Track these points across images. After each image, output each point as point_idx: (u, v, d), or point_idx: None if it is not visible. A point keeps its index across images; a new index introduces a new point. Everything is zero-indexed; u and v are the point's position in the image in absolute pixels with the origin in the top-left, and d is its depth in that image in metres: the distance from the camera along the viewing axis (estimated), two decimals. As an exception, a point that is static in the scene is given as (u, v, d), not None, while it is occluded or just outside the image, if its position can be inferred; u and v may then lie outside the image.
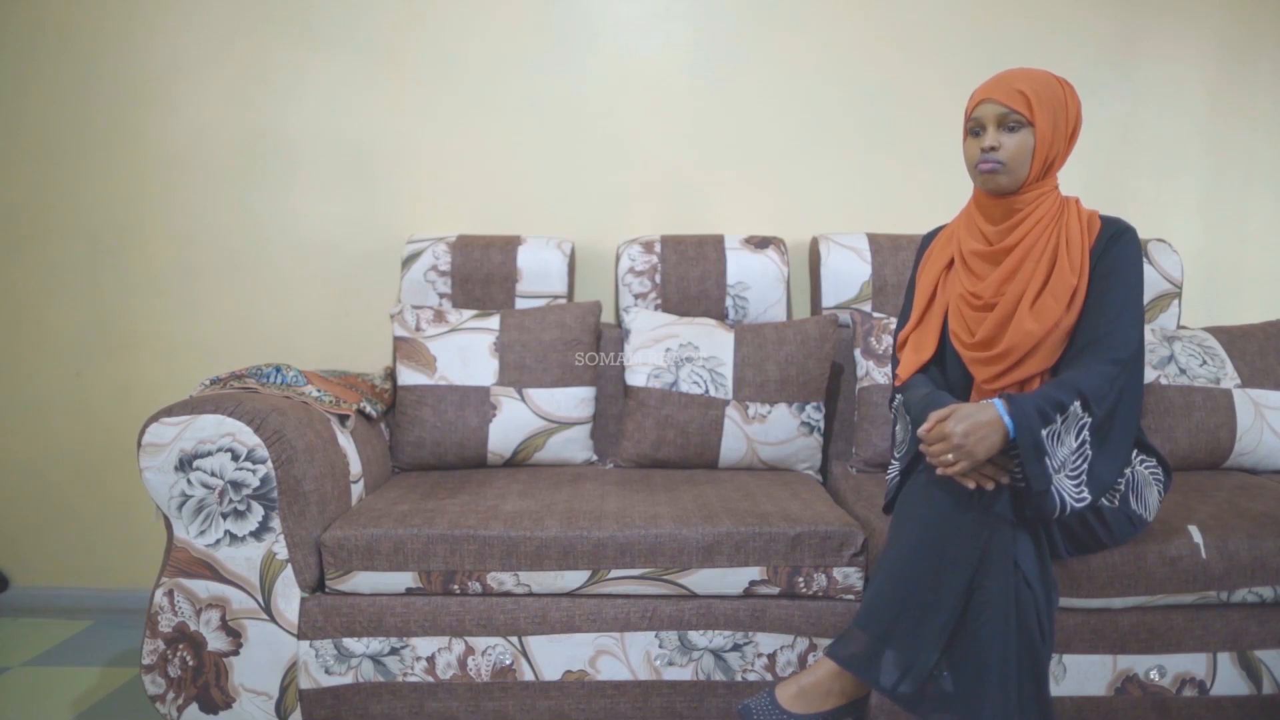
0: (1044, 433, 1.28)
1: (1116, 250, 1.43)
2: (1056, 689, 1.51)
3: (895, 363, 1.69)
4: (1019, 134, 1.41)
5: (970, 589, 1.28)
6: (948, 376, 1.57)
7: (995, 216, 1.50)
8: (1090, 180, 2.31)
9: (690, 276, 2.12)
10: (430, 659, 1.52)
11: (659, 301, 2.12)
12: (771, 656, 1.54)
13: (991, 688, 1.24)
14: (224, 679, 1.51)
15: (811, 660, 1.53)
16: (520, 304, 2.13)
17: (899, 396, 1.60)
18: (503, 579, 1.53)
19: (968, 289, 1.51)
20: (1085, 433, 1.33)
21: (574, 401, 1.98)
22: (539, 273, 2.13)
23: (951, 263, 1.57)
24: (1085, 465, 1.33)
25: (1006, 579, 1.26)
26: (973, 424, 1.27)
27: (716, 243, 2.15)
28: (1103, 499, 1.41)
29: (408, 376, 1.95)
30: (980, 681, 1.25)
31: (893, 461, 1.63)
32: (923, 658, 1.28)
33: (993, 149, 1.42)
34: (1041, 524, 1.34)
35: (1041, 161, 1.43)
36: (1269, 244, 2.36)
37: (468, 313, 2.04)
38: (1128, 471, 1.44)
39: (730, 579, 1.53)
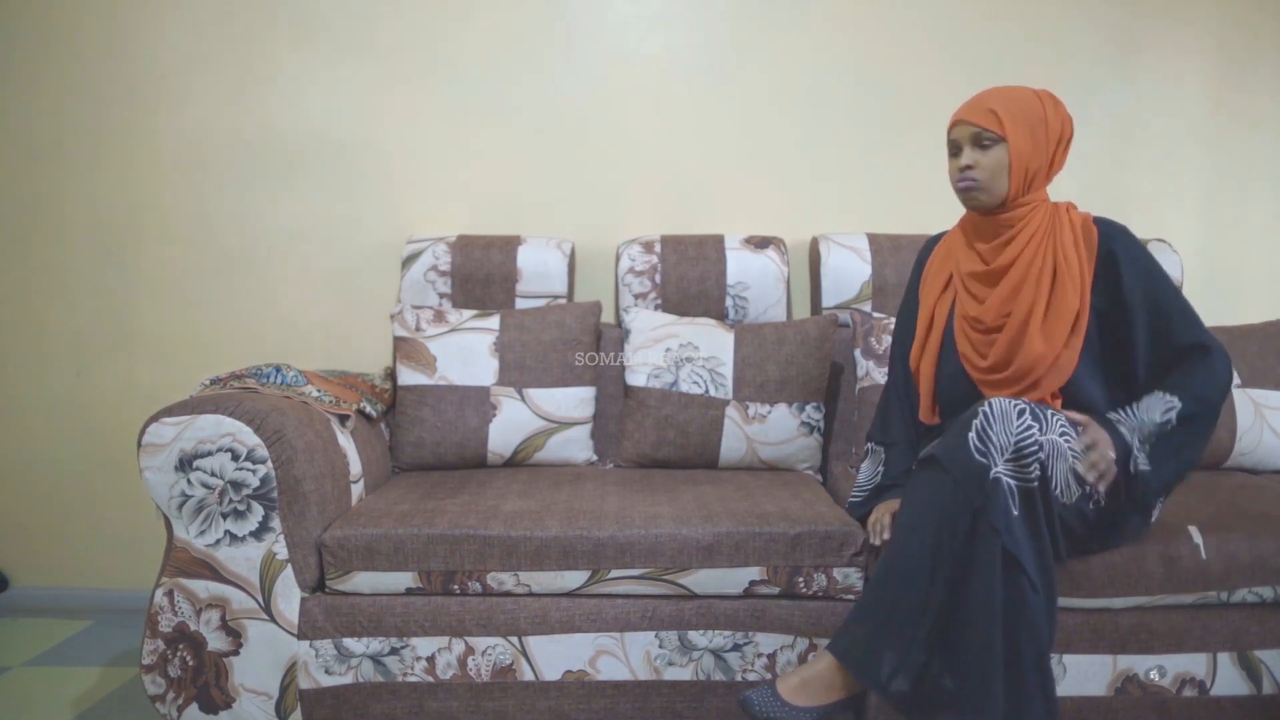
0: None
1: (1127, 263, 1.44)
2: (1056, 689, 1.50)
3: (894, 375, 1.70)
4: (993, 151, 1.45)
5: (960, 587, 1.28)
6: (941, 392, 1.59)
7: (986, 234, 1.53)
8: (1090, 180, 2.31)
9: (690, 276, 2.12)
10: (430, 659, 1.52)
11: (659, 301, 2.12)
12: (771, 656, 1.54)
13: (993, 689, 1.24)
14: (224, 679, 1.51)
15: (812, 660, 1.53)
16: (520, 304, 2.13)
17: (877, 442, 1.68)
18: (503, 579, 1.53)
19: (970, 313, 1.53)
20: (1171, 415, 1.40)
21: (574, 401, 1.98)
22: (539, 273, 2.13)
23: (949, 282, 1.59)
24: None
25: (994, 580, 1.26)
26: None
27: (716, 243, 2.15)
28: (1105, 498, 1.41)
29: (408, 376, 1.95)
30: (978, 682, 1.25)
31: (854, 496, 1.67)
32: (914, 655, 1.28)
33: (968, 167, 1.46)
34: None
35: (1021, 176, 1.45)
36: (1269, 244, 2.36)
37: (468, 313, 2.04)
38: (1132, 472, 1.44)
39: (730, 579, 1.53)
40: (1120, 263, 1.44)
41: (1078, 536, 1.43)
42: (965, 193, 1.48)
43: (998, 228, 1.50)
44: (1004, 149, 1.44)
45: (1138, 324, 1.44)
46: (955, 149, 1.50)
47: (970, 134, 1.46)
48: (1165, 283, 1.45)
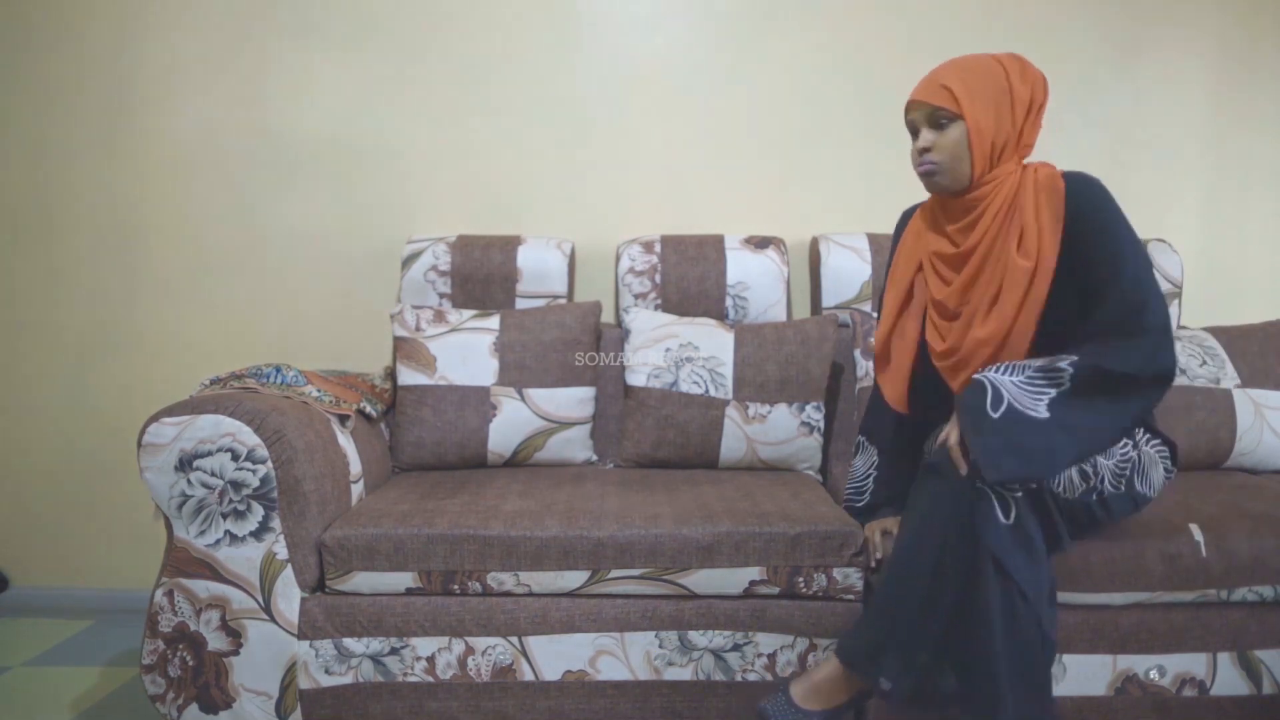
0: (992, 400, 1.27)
1: (1091, 216, 1.32)
2: (1056, 689, 1.50)
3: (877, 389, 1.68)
4: (950, 130, 1.37)
5: (966, 592, 1.28)
6: (920, 385, 1.55)
7: (954, 214, 1.46)
8: (1090, 180, 2.31)
9: (690, 276, 2.11)
10: (430, 659, 1.52)
11: (659, 301, 2.12)
12: (771, 656, 1.54)
13: (1001, 690, 1.24)
14: (224, 679, 1.51)
15: (812, 659, 1.54)
16: (520, 304, 2.13)
17: (869, 441, 1.65)
18: (503, 579, 1.53)
19: (935, 296, 1.48)
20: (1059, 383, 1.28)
21: (574, 401, 1.98)
22: (539, 273, 2.13)
23: (920, 265, 1.54)
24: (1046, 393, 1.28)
25: (990, 586, 1.26)
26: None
27: (716, 243, 2.15)
28: (1108, 485, 1.38)
29: (408, 376, 1.95)
30: (985, 688, 1.25)
31: (849, 494, 1.66)
32: (918, 658, 1.29)
33: (925, 150, 1.39)
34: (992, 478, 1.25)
35: (984, 152, 1.37)
36: (1269, 244, 2.36)
37: (468, 313, 2.04)
38: (1133, 454, 1.41)
39: (730, 579, 1.53)
40: (1084, 219, 1.33)
41: (1081, 523, 1.42)
42: (926, 177, 1.41)
43: (964, 209, 1.43)
44: (961, 127, 1.36)
45: (1086, 282, 1.33)
46: (914, 130, 1.42)
47: (925, 114, 1.39)
48: (1129, 245, 1.31)
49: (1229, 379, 1.95)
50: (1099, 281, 1.32)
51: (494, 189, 2.31)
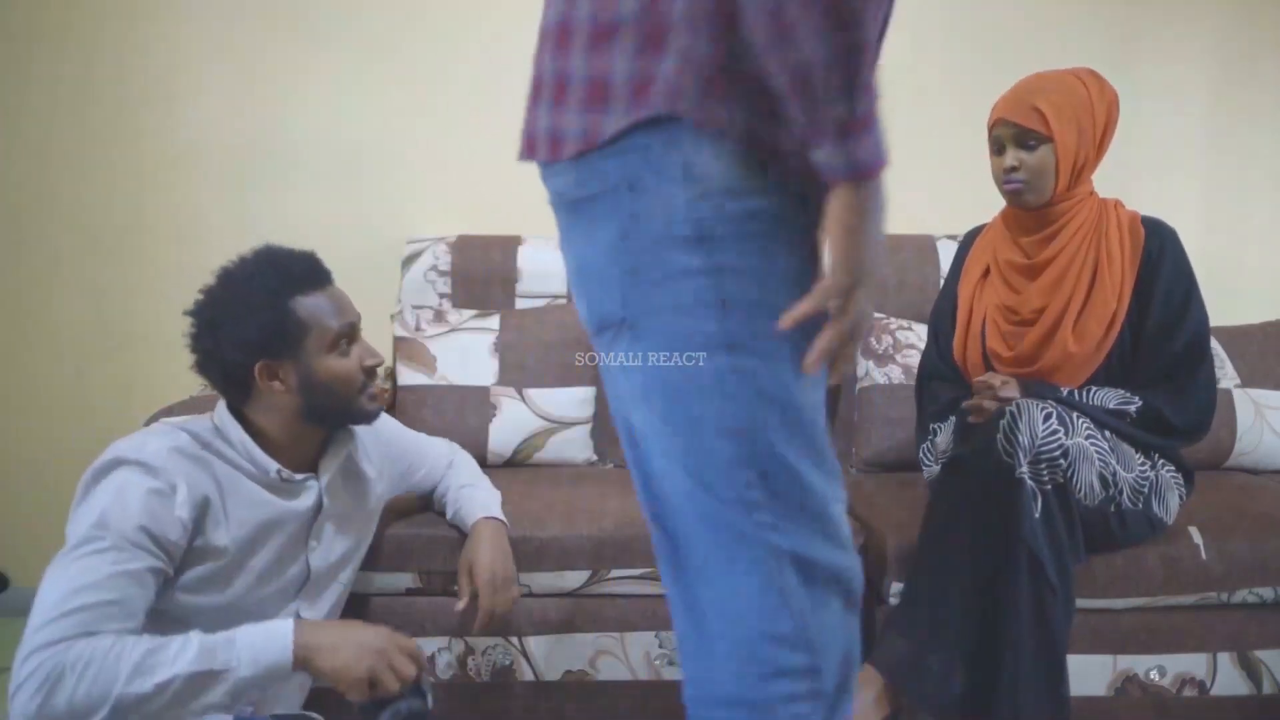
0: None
1: (1170, 265, 1.45)
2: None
3: (928, 368, 1.65)
4: (1039, 151, 1.41)
5: (991, 589, 1.28)
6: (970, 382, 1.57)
7: (1030, 227, 1.49)
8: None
9: (690, 276, 2.11)
10: (430, 659, 1.52)
11: (659, 301, 2.11)
12: (771, 656, 1.53)
13: (1024, 686, 1.24)
14: (224, 679, 1.51)
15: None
16: (520, 304, 2.13)
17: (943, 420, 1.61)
18: (503, 579, 1.53)
19: (1005, 303, 1.50)
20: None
21: (574, 401, 1.98)
22: (539, 273, 2.13)
23: (987, 272, 1.56)
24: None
25: (1021, 581, 1.26)
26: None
27: (716, 243, 2.15)
28: (1126, 499, 1.41)
29: (408, 376, 1.95)
30: (1011, 678, 1.25)
31: (927, 462, 1.61)
32: (956, 659, 1.28)
33: (1014, 169, 1.42)
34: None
35: (1068, 171, 1.42)
36: (1269, 244, 2.36)
37: (468, 313, 2.04)
38: (1151, 475, 1.45)
39: (730, 579, 1.53)
40: (1163, 264, 1.44)
41: (1098, 537, 1.43)
42: (1012, 194, 1.45)
43: (1043, 222, 1.47)
44: (1049, 149, 1.41)
45: (1150, 322, 1.43)
46: (998, 146, 1.46)
47: (1014, 133, 1.42)
48: (1196, 299, 1.45)
49: (1229, 379, 1.95)
50: (1164, 325, 1.43)
51: (494, 189, 2.31)
